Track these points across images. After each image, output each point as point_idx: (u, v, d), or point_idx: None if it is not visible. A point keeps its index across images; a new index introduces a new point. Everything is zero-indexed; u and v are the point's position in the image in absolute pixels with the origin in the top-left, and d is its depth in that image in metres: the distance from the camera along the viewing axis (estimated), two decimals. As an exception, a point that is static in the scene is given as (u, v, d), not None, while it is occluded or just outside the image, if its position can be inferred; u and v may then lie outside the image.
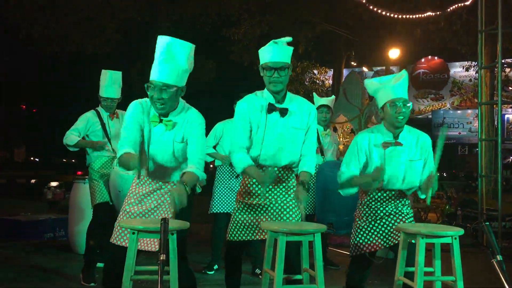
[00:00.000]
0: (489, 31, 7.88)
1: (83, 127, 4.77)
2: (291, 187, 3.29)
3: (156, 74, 2.94)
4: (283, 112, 3.21)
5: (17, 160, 39.41)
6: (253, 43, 15.88)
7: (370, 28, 17.33)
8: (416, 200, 8.56)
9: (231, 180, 5.19)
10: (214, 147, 5.26)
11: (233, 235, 3.29)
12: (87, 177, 5.16)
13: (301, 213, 3.15)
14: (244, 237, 3.26)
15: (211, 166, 5.70)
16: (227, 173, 5.21)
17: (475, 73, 17.85)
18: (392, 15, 13.29)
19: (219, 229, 5.13)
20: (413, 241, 3.10)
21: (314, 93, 6.09)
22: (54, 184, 14.91)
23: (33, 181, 17.11)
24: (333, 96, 5.99)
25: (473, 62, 17.96)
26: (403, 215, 3.34)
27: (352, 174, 3.28)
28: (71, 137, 4.72)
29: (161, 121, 3.02)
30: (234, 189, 5.12)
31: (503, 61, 8.25)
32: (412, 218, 3.40)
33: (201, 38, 16.22)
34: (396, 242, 3.27)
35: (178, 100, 3.06)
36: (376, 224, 3.34)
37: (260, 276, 4.52)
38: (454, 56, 23.20)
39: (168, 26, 16.49)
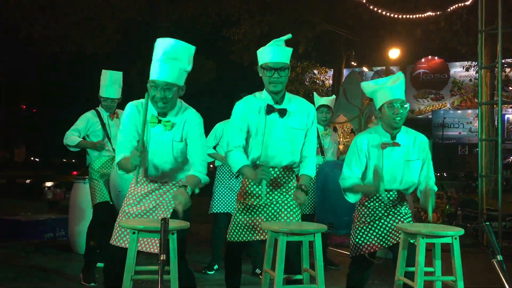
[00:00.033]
0: (489, 31, 7.88)
1: (84, 127, 4.77)
2: (291, 187, 3.29)
3: (158, 73, 2.93)
4: (282, 112, 3.21)
5: (17, 160, 39.41)
6: (253, 43, 15.88)
7: (370, 28, 17.34)
8: (416, 200, 8.55)
9: (231, 180, 5.19)
10: (214, 148, 5.26)
11: (233, 236, 3.29)
12: (87, 177, 5.16)
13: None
14: (244, 238, 3.26)
15: (211, 166, 5.70)
16: (227, 173, 5.21)
17: (475, 73, 17.84)
18: (392, 15, 13.28)
19: (219, 229, 5.13)
20: (411, 240, 3.11)
21: (314, 93, 6.08)
22: (49, 184, 14.94)
23: (28, 181, 17.07)
24: (333, 96, 5.98)
25: (473, 62, 17.96)
26: (401, 215, 3.35)
27: (355, 182, 3.29)
28: (72, 137, 4.72)
29: (159, 121, 3.01)
30: (234, 189, 5.12)
31: (503, 61, 8.25)
32: (410, 218, 3.41)
33: (201, 38, 16.25)
34: (395, 242, 3.28)
35: (177, 100, 3.07)
36: (375, 225, 3.35)
37: (260, 276, 4.52)
38: (454, 56, 23.21)
39: (168, 26, 16.49)
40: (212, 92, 25.32)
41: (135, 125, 3.01)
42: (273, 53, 3.17)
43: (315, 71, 19.45)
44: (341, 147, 7.45)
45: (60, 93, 33.63)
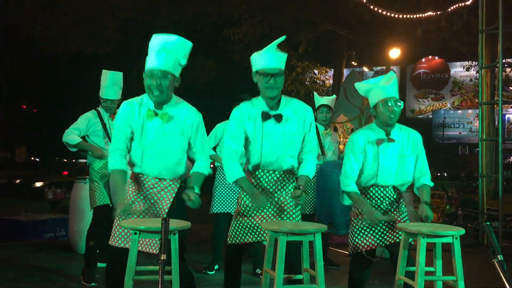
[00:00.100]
0: (489, 31, 7.88)
1: (84, 127, 4.74)
2: (291, 189, 3.28)
3: (154, 62, 2.99)
4: (278, 118, 3.21)
5: (18, 160, 39.38)
6: (253, 43, 15.89)
7: (370, 28, 17.34)
8: (417, 200, 8.55)
9: (231, 180, 5.17)
10: (214, 149, 5.25)
11: (233, 238, 3.28)
12: (87, 177, 5.14)
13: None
14: (244, 239, 3.25)
15: (211, 166, 5.69)
16: (228, 173, 5.19)
17: (476, 73, 17.86)
18: (392, 15, 13.28)
19: (220, 229, 5.12)
20: (409, 240, 3.12)
21: (314, 93, 6.08)
22: (38, 184, 14.93)
23: (18, 181, 17.06)
24: (334, 96, 5.98)
25: (474, 62, 17.98)
26: (398, 214, 3.38)
27: (355, 191, 3.34)
28: (72, 136, 4.67)
29: (156, 114, 3.03)
30: (234, 189, 5.11)
31: (503, 61, 8.25)
32: (407, 218, 3.44)
33: (201, 38, 16.24)
34: (392, 241, 3.31)
35: (173, 91, 3.09)
36: (372, 223, 3.36)
37: (260, 276, 4.52)
38: (454, 56, 23.24)
39: (169, 26, 16.50)
40: (212, 92, 25.32)
41: (129, 125, 3.06)
42: (268, 58, 3.18)
43: (316, 71, 19.48)
44: (341, 147, 7.44)
45: (60, 93, 33.62)
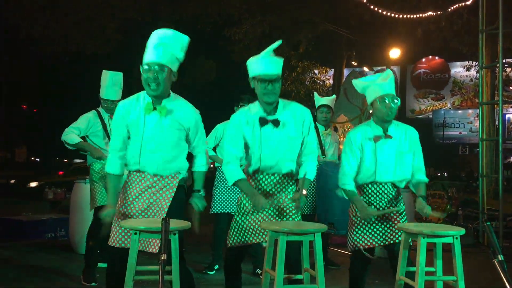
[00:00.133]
0: (490, 31, 7.88)
1: (84, 127, 4.73)
2: (291, 191, 3.28)
3: (151, 56, 3.03)
4: (275, 123, 3.21)
5: (18, 160, 39.35)
6: (254, 43, 15.88)
7: (370, 28, 17.33)
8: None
9: (231, 181, 5.17)
10: (214, 149, 5.24)
11: (233, 240, 3.27)
12: (87, 177, 5.14)
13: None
14: (244, 240, 3.25)
15: (211, 166, 5.69)
16: (228, 173, 5.19)
17: (476, 73, 17.85)
18: (392, 15, 13.27)
19: (220, 229, 5.12)
20: (409, 240, 3.12)
21: (314, 93, 6.08)
22: (33, 184, 14.90)
23: (12, 181, 17.05)
24: (334, 96, 5.98)
25: (474, 62, 17.97)
26: (396, 213, 3.38)
27: (353, 190, 3.38)
28: (72, 135, 4.66)
29: (155, 108, 3.04)
30: (234, 189, 5.10)
31: (504, 61, 8.24)
32: (405, 217, 3.45)
33: (201, 38, 16.24)
34: (391, 242, 3.33)
35: (170, 85, 3.10)
36: (370, 221, 3.38)
37: (260, 276, 4.52)
38: (454, 56, 23.22)
39: (169, 26, 16.41)
40: (212, 92, 25.30)
41: (125, 125, 3.09)
42: (265, 65, 3.17)
43: (316, 71, 19.48)
44: (341, 147, 7.44)
45: (60, 93, 33.58)
